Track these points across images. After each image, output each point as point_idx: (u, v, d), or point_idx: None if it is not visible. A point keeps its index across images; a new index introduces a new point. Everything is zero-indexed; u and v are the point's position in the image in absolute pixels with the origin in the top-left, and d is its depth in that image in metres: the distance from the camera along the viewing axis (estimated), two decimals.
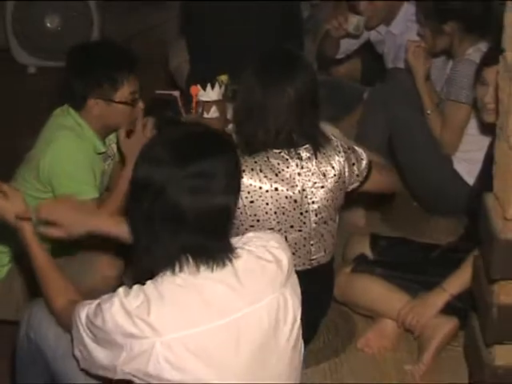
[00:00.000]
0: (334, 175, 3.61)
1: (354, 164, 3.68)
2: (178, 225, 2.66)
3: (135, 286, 2.68)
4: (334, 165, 3.61)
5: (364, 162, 3.72)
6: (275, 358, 2.77)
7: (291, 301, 2.81)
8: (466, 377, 3.58)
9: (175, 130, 3.00)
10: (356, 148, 3.74)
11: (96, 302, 2.72)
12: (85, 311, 2.75)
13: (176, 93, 4.73)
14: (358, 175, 3.72)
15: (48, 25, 7.48)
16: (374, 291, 3.94)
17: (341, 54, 5.60)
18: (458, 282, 3.72)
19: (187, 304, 2.62)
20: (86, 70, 3.98)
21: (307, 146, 3.56)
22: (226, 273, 2.68)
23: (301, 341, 2.88)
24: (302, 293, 3.33)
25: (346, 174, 3.66)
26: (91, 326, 2.71)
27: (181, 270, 2.65)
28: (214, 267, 2.67)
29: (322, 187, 3.59)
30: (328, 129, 3.77)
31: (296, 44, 5.38)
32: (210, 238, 2.71)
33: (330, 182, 3.61)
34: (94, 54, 4.09)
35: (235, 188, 2.81)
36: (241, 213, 3.47)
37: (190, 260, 2.65)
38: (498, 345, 3.21)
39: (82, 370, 2.91)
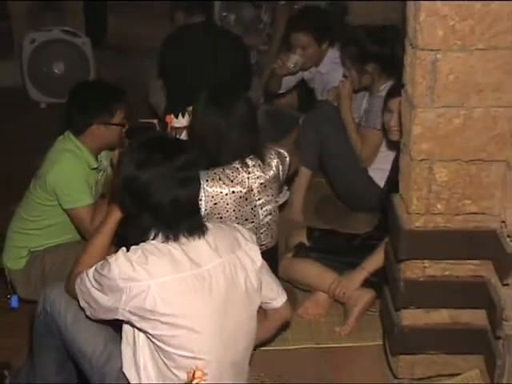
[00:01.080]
0: (274, 176, 3.68)
1: (282, 163, 3.75)
2: (176, 211, 2.80)
3: (133, 246, 2.78)
4: (273, 167, 3.68)
5: (287, 159, 3.79)
6: (236, 304, 2.89)
7: (245, 262, 2.93)
8: (381, 334, 3.61)
9: (149, 138, 3.08)
10: (280, 150, 3.79)
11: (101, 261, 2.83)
12: (92, 269, 2.83)
13: (155, 121, 4.73)
14: (285, 170, 3.78)
15: (55, 71, 7.46)
16: (310, 271, 3.97)
17: (282, 89, 5.62)
18: (374, 262, 3.75)
19: (175, 257, 2.77)
20: (89, 103, 4.02)
21: (252, 156, 3.60)
22: (202, 238, 2.85)
23: (256, 296, 2.99)
24: None
25: (280, 172, 3.74)
26: (98, 276, 2.78)
27: (176, 240, 2.81)
28: (199, 237, 2.84)
29: (265, 186, 3.63)
30: None
31: (246, 83, 5.43)
32: (198, 217, 2.94)
33: (270, 182, 3.66)
34: (92, 92, 4.16)
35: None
36: (207, 213, 3.47)
37: (186, 234, 2.81)
38: (404, 309, 3.24)
39: (88, 317, 2.97)
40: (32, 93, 7.60)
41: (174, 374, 2.79)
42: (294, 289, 4.07)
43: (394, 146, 4.02)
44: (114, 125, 4.01)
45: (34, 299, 3.49)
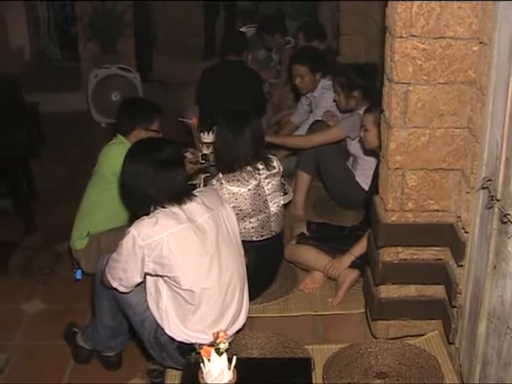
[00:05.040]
0: (277, 172, 3.70)
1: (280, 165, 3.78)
2: (163, 188, 2.91)
3: (145, 216, 2.88)
4: (276, 167, 3.70)
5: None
6: (227, 246, 3.03)
7: (231, 214, 3.14)
8: (363, 304, 3.61)
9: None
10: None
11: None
12: (112, 254, 2.99)
13: (190, 121, 4.74)
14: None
15: (113, 98, 7.51)
16: (309, 255, 3.95)
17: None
18: (359, 248, 3.73)
19: (177, 215, 2.88)
20: (136, 112, 4.09)
21: (260, 161, 3.62)
22: (193, 201, 2.98)
23: (239, 240, 3.17)
24: (266, 253, 3.40)
25: (281, 169, 3.75)
26: (118, 252, 2.93)
27: (173, 205, 2.91)
28: (190, 200, 2.96)
29: (272, 184, 3.66)
30: None
31: (261, 108, 5.48)
32: (185, 188, 3.03)
33: (275, 180, 3.68)
34: (139, 104, 4.28)
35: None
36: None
37: (178, 201, 2.93)
38: (382, 285, 3.25)
39: (122, 293, 3.10)
40: (95, 115, 7.67)
41: (189, 304, 2.94)
42: (296, 268, 4.06)
43: (372, 153, 4.07)
44: (152, 131, 4.05)
45: (94, 273, 3.52)
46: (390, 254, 3.17)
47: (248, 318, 3.28)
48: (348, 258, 3.79)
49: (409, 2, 2.72)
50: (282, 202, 3.78)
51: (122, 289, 3.04)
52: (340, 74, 4.65)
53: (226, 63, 5.60)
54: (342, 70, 4.69)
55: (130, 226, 2.90)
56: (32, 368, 3.71)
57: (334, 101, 4.77)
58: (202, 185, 4.12)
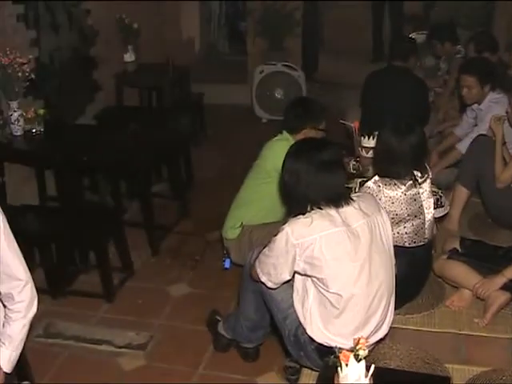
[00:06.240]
0: (430, 179, 3.66)
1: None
2: (322, 189, 2.89)
3: (301, 215, 2.89)
4: (429, 174, 3.64)
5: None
6: (379, 254, 2.98)
7: (386, 222, 3.05)
8: (511, 329, 3.49)
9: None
10: None
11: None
12: (264, 249, 3.04)
13: (352, 124, 4.73)
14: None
15: (276, 95, 7.66)
16: (460, 271, 3.84)
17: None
18: None
19: (333, 217, 2.86)
20: (306, 112, 4.13)
21: (417, 169, 3.57)
22: (350, 205, 2.94)
23: (391, 251, 3.09)
24: (417, 260, 3.54)
25: (430, 175, 3.70)
26: (270, 248, 2.96)
27: (330, 207, 2.88)
28: (347, 204, 2.93)
29: (427, 190, 3.61)
30: None
31: (425, 117, 5.43)
32: (343, 191, 2.98)
33: (429, 186, 3.64)
34: (309, 104, 4.26)
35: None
36: (386, 211, 3.45)
37: (336, 204, 2.90)
38: None
39: (269, 288, 3.13)
40: (257, 110, 7.86)
41: (334, 308, 2.93)
42: (445, 284, 3.96)
43: None
44: (320, 130, 4.09)
45: (242, 264, 3.60)
46: None
47: (390, 328, 3.25)
48: (500, 280, 3.66)
49: None
50: (432, 209, 3.72)
51: (269, 284, 3.08)
52: None
53: (393, 69, 5.56)
54: None
55: (284, 223, 2.92)
56: (173, 348, 3.86)
57: (506, 112, 4.61)
58: (357, 189, 4.12)
